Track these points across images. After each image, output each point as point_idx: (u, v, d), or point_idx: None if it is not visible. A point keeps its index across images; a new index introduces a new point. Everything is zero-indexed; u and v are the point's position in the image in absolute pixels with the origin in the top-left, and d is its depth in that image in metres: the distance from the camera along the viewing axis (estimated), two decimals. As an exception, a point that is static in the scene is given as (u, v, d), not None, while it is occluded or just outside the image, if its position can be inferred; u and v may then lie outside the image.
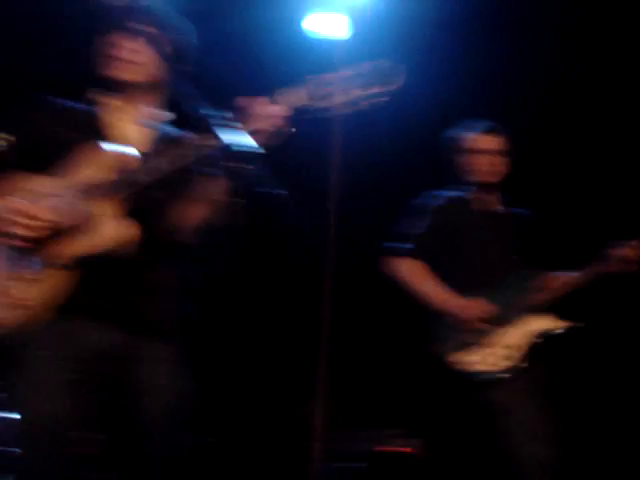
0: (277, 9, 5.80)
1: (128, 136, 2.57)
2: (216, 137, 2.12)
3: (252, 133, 2.28)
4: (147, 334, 2.48)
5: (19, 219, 2.33)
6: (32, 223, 2.33)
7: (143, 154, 2.46)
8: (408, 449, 5.41)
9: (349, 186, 6.25)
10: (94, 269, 2.39)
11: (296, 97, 2.34)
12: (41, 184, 2.44)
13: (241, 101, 2.33)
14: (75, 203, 2.37)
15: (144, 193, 2.41)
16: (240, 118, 2.30)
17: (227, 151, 2.07)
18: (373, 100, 2.32)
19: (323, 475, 5.79)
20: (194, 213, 2.50)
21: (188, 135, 2.40)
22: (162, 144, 2.57)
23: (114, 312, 2.44)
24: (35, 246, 2.36)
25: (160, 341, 2.51)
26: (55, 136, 2.52)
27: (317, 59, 5.89)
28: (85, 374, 2.39)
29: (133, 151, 2.44)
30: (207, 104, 2.12)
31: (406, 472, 5.31)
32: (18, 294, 2.35)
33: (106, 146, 2.45)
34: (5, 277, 2.39)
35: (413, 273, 3.92)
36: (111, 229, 2.37)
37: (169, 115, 2.67)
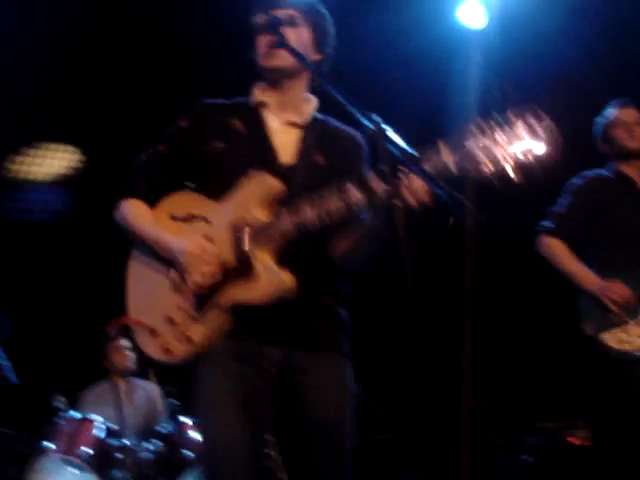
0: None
1: (281, 141, 2.63)
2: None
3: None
4: (313, 347, 2.55)
5: (197, 266, 2.47)
6: (211, 270, 2.46)
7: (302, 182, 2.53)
8: (578, 441, 5.30)
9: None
10: (255, 311, 2.47)
11: (442, 164, 2.18)
12: (209, 211, 2.57)
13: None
14: (246, 247, 2.47)
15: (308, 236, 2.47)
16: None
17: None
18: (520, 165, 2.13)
19: (494, 468, 5.76)
20: (357, 243, 2.56)
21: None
22: (317, 148, 2.64)
23: (281, 334, 2.51)
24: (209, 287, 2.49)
25: (326, 352, 2.57)
26: (212, 147, 2.61)
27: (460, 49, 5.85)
28: (258, 390, 2.49)
29: (272, 182, 2.50)
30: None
31: (577, 464, 5.20)
32: (184, 329, 2.51)
33: (260, 177, 2.52)
34: (172, 308, 2.54)
35: (554, 252, 4.01)
36: (273, 280, 2.44)
37: (316, 102, 2.70)
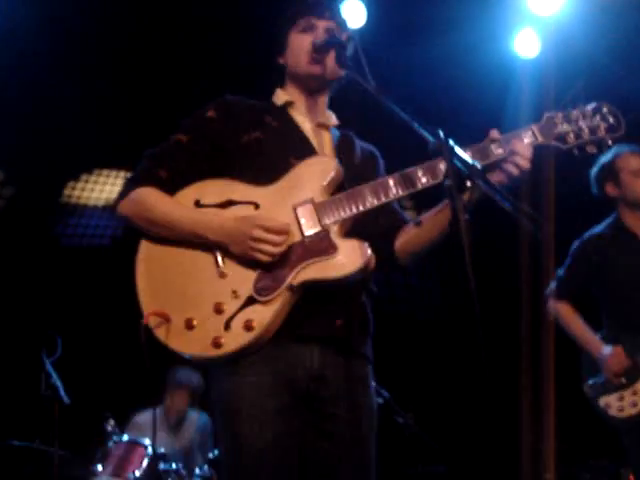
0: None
1: (315, 140, 2.65)
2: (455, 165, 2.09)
3: (500, 167, 2.38)
4: (353, 356, 2.51)
5: (267, 236, 2.34)
6: (278, 239, 2.35)
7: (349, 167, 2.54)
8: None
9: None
10: (318, 293, 2.39)
11: (531, 136, 2.43)
12: (257, 195, 2.45)
13: (495, 134, 2.42)
14: (311, 221, 2.40)
15: (370, 217, 2.49)
16: (491, 150, 2.40)
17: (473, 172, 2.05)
18: (599, 146, 2.43)
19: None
20: (422, 239, 2.57)
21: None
22: (346, 149, 2.68)
23: (327, 336, 2.45)
24: (271, 265, 2.36)
25: (361, 361, 2.55)
26: (248, 137, 2.57)
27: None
28: (296, 397, 2.40)
29: (334, 165, 2.49)
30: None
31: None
32: (246, 316, 2.33)
33: (318, 160, 2.52)
34: (219, 295, 2.37)
35: (559, 314, 4.04)
36: (352, 254, 2.36)
37: (335, 119, 2.76)
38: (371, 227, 2.53)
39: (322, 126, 2.72)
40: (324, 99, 2.75)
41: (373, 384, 2.60)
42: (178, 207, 2.48)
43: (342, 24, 2.72)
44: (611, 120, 2.44)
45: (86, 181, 6.98)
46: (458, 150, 2.03)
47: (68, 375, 5.25)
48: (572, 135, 2.43)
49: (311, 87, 2.71)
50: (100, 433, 5.08)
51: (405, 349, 6.59)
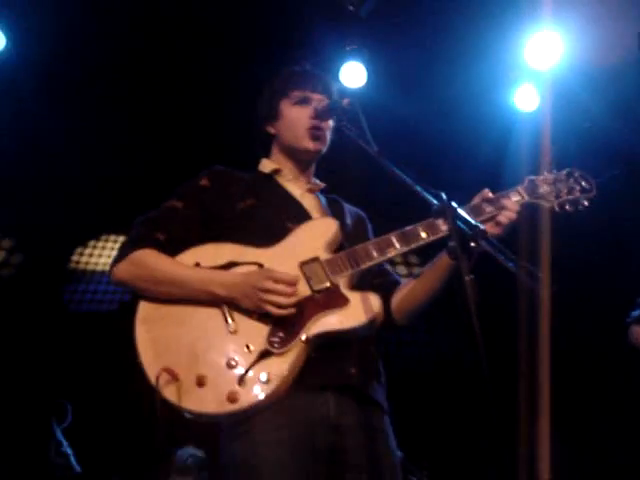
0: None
1: (307, 205, 2.69)
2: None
3: (492, 222, 2.50)
4: (369, 404, 2.50)
5: (278, 287, 2.36)
6: (288, 290, 2.37)
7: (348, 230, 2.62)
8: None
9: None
10: (331, 344, 2.41)
11: (518, 196, 2.60)
12: (260, 256, 2.47)
13: (487, 193, 2.56)
14: (319, 277, 2.44)
15: (365, 279, 2.54)
16: (484, 208, 2.52)
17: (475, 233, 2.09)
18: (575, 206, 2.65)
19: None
20: (420, 291, 2.59)
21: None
22: (336, 213, 2.72)
23: (342, 385, 2.44)
24: (283, 318, 2.37)
25: (378, 410, 2.54)
26: (243, 204, 2.60)
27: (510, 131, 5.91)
28: (315, 451, 2.36)
29: (335, 225, 2.55)
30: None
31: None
32: (262, 369, 2.31)
33: (319, 222, 2.59)
34: (230, 350, 2.34)
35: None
36: (364, 305, 2.40)
37: (321, 183, 2.82)
38: (366, 289, 2.53)
39: (310, 191, 2.77)
40: (312, 167, 2.82)
41: (392, 436, 2.57)
42: (181, 266, 2.48)
43: (336, 95, 2.75)
44: (583, 183, 2.67)
45: (93, 247, 7.04)
46: (461, 212, 2.07)
47: (78, 443, 5.23)
48: (552, 195, 2.63)
49: (305, 160, 2.77)
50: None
51: (415, 406, 6.55)
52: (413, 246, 2.48)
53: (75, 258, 7.02)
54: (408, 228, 2.50)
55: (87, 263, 7.03)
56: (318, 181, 2.83)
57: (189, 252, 2.52)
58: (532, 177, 2.64)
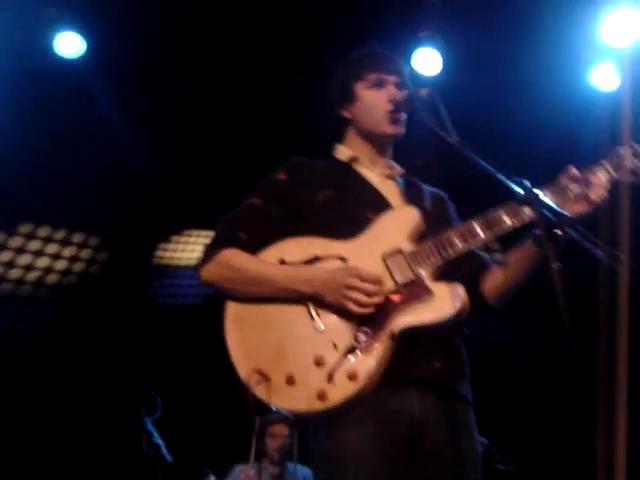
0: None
1: (386, 192, 2.65)
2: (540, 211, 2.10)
3: (582, 201, 2.37)
4: (453, 398, 2.48)
5: (363, 285, 2.36)
6: (373, 289, 2.37)
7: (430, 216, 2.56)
8: None
9: None
10: (416, 338, 2.39)
11: (604, 171, 2.42)
12: (342, 249, 2.47)
13: (573, 171, 2.43)
14: (403, 270, 2.42)
15: (453, 264, 2.49)
16: (571, 187, 2.40)
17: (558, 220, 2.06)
18: None
19: None
20: (508, 279, 2.55)
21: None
22: (417, 198, 2.67)
23: (426, 380, 2.42)
24: (368, 315, 2.37)
25: (462, 404, 2.51)
26: (321, 195, 2.58)
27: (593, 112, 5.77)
28: (399, 446, 2.36)
29: (417, 214, 2.52)
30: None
31: None
32: (349, 366, 2.32)
33: (400, 212, 2.55)
34: (318, 347, 2.36)
35: None
36: (450, 297, 2.38)
37: (399, 168, 2.78)
38: (456, 274, 2.52)
39: (388, 177, 2.73)
40: (389, 151, 2.79)
41: (476, 429, 2.56)
42: (266, 264, 2.50)
43: (408, 77, 2.74)
44: None
45: (176, 242, 7.18)
46: (546, 199, 2.05)
47: (168, 434, 5.35)
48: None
49: (383, 144, 2.74)
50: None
51: (501, 393, 6.50)
52: (498, 233, 2.42)
53: (159, 254, 7.18)
54: (491, 214, 2.44)
55: (171, 258, 7.18)
56: (396, 165, 2.80)
57: (273, 248, 2.54)
58: (619, 149, 2.44)
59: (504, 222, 2.41)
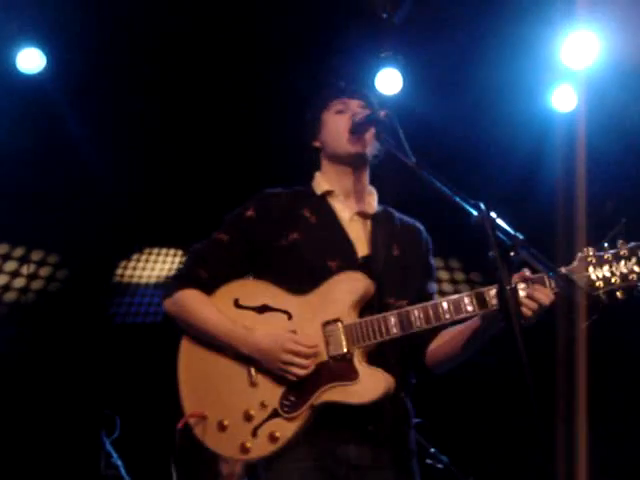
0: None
1: (354, 235, 2.67)
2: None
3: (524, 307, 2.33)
4: (391, 449, 2.54)
5: (296, 360, 2.46)
6: (305, 363, 2.46)
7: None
8: None
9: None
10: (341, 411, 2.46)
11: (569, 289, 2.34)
12: (291, 305, 2.55)
13: (526, 274, 2.37)
14: (337, 342, 2.48)
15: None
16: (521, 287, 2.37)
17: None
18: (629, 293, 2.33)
19: None
20: (458, 349, 2.59)
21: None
22: (389, 240, 2.69)
23: (361, 438, 2.50)
24: (297, 383, 2.47)
25: (403, 453, 2.58)
26: (286, 238, 2.63)
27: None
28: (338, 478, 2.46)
29: (367, 282, 2.54)
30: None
31: None
32: (271, 427, 2.46)
33: (351, 277, 2.56)
34: (250, 404, 2.49)
35: None
36: (371, 383, 2.44)
37: (376, 193, 2.80)
38: (403, 339, 2.54)
39: (359, 214, 2.75)
40: (365, 177, 2.80)
41: (418, 471, 2.63)
42: (214, 315, 2.61)
43: (373, 103, 2.78)
44: None
45: (137, 260, 7.13)
46: (500, 222, 2.07)
47: (127, 454, 5.30)
48: (601, 282, 2.31)
49: (352, 166, 2.75)
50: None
51: (461, 412, 6.52)
52: (436, 324, 2.46)
53: (119, 271, 7.12)
54: (432, 304, 2.48)
55: (131, 276, 7.13)
56: (375, 192, 2.81)
57: (231, 286, 2.66)
58: (584, 254, 2.35)
59: (443, 314, 2.45)
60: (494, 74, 5.68)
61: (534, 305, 2.33)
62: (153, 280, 7.07)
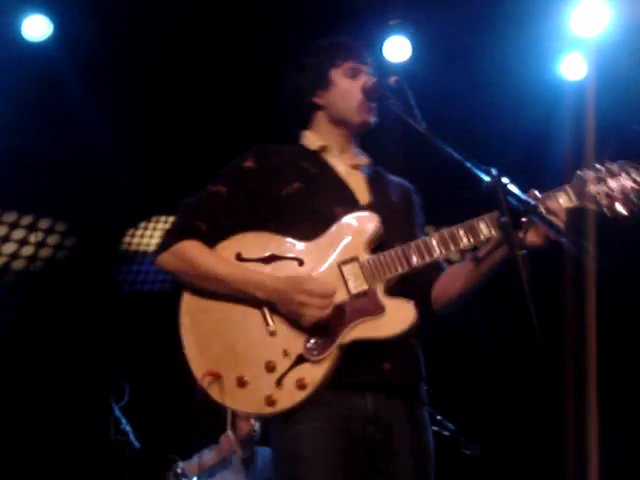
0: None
1: (353, 185, 2.65)
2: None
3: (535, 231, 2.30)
4: (405, 398, 2.52)
5: (313, 301, 2.36)
6: (322, 303, 2.37)
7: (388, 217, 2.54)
8: None
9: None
10: (366, 347, 2.41)
11: (565, 197, 2.38)
12: (301, 251, 2.47)
13: (533, 193, 2.36)
14: (357, 280, 2.43)
15: (415, 271, 2.49)
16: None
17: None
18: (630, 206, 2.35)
19: None
20: (461, 284, 2.55)
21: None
22: (383, 190, 2.68)
23: (377, 382, 2.45)
24: (319, 325, 2.39)
25: (415, 403, 2.55)
26: (289, 187, 2.56)
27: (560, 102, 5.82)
28: (353, 440, 2.41)
29: (377, 221, 2.51)
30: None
31: None
32: (298, 374, 2.36)
33: (361, 217, 2.52)
34: (270, 353, 2.39)
35: None
36: (399, 314, 2.39)
37: (366, 158, 2.78)
38: (411, 283, 2.55)
39: (354, 167, 2.73)
40: (357, 139, 2.79)
41: (430, 426, 2.61)
42: (223, 262, 2.49)
43: (382, 69, 2.78)
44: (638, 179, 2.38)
45: (144, 228, 7.14)
46: (512, 187, 2.06)
47: (136, 420, 5.34)
48: (603, 196, 2.37)
49: (355, 132, 2.75)
50: (169, 477, 5.14)
51: (468, 380, 6.56)
52: (455, 249, 2.43)
53: (127, 239, 7.14)
54: (448, 230, 2.45)
55: (139, 244, 7.14)
56: (363, 154, 2.79)
57: (231, 241, 2.52)
58: (583, 173, 2.40)
59: (461, 239, 2.43)
60: (503, 43, 5.64)
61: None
62: (153, 256, 7.07)
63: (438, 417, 4.56)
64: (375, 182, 2.72)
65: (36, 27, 5.42)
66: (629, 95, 5.63)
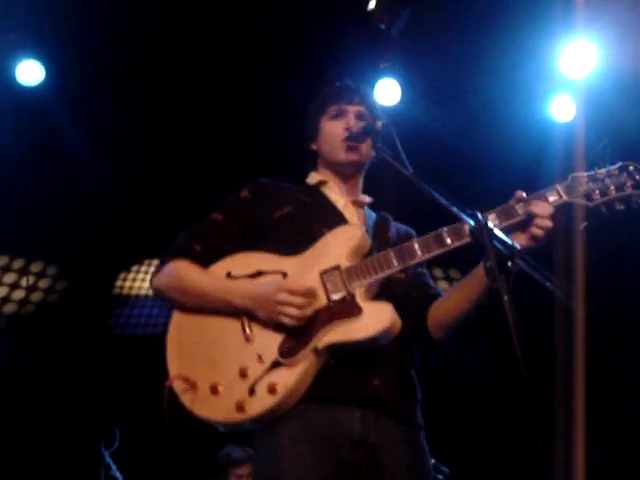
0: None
1: (349, 215, 2.69)
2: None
3: (525, 234, 2.37)
4: (397, 418, 2.47)
5: (293, 299, 2.37)
6: (303, 302, 2.38)
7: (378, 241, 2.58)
8: None
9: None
10: (345, 355, 2.40)
11: (556, 195, 2.43)
12: (286, 265, 2.50)
13: (520, 194, 2.44)
14: (337, 286, 2.43)
15: (402, 291, 2.53)
16: (517, 211, 2.41)
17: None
18: (627, 203, 2.39)
19: None
20: (455, 308, 2.55)
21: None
22: (381, 227, 2.71)
23: (365, 398, 2.42)
24: (297, 329, 2.38)
25: (409, 425, 2.51)
26: (279, 212, 2.63)
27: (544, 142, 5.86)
28: (340, 467, 2.35)
29: (361, 232, 2.53)
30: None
31: None
32: (270, 379, 2.34)
33: (345, 229, 2.56)
34: (245, 359, 2.39)
35: None
36: (377, 316, 2.37)
37: (369, 198, 2.82)
38: (403, 301, 2.54)
39: (357, 204, 2.78)
40: (359, 181, 2.84)
41: (429, 453, 2.55)
42: (208, 277, 2.55)
43: (372, 107, 2.80)
44: (638, 177, 2.41)
45: (137, 272, 7.13)
46: (497, 232, 2.06)
47: (126, 466, 5.28)
48: (598, 192, 2.41)
49: (346, 173, 2.79)
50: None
51: (462, 421, 6.50)
52: (437, 252, 2.44)
53: (119, 283, 7.12)
54: (431, 234, 2.47)
55: (131, 288, 7.12)
56: (366, 197, 2.84)
57: (222, 262, 2.60)
58: (577, 174, 2.44)
59: (444, 242, 2.44)
60: (493, 84, 5.70)
61: (540, 222, 2.35)
62: (149, 291, 7.06)
63: (432, 460, 4.51)
64: (376, 223, 2.76)
65: (30, 72, 5.49)
66: (618, 136, 5.67)
